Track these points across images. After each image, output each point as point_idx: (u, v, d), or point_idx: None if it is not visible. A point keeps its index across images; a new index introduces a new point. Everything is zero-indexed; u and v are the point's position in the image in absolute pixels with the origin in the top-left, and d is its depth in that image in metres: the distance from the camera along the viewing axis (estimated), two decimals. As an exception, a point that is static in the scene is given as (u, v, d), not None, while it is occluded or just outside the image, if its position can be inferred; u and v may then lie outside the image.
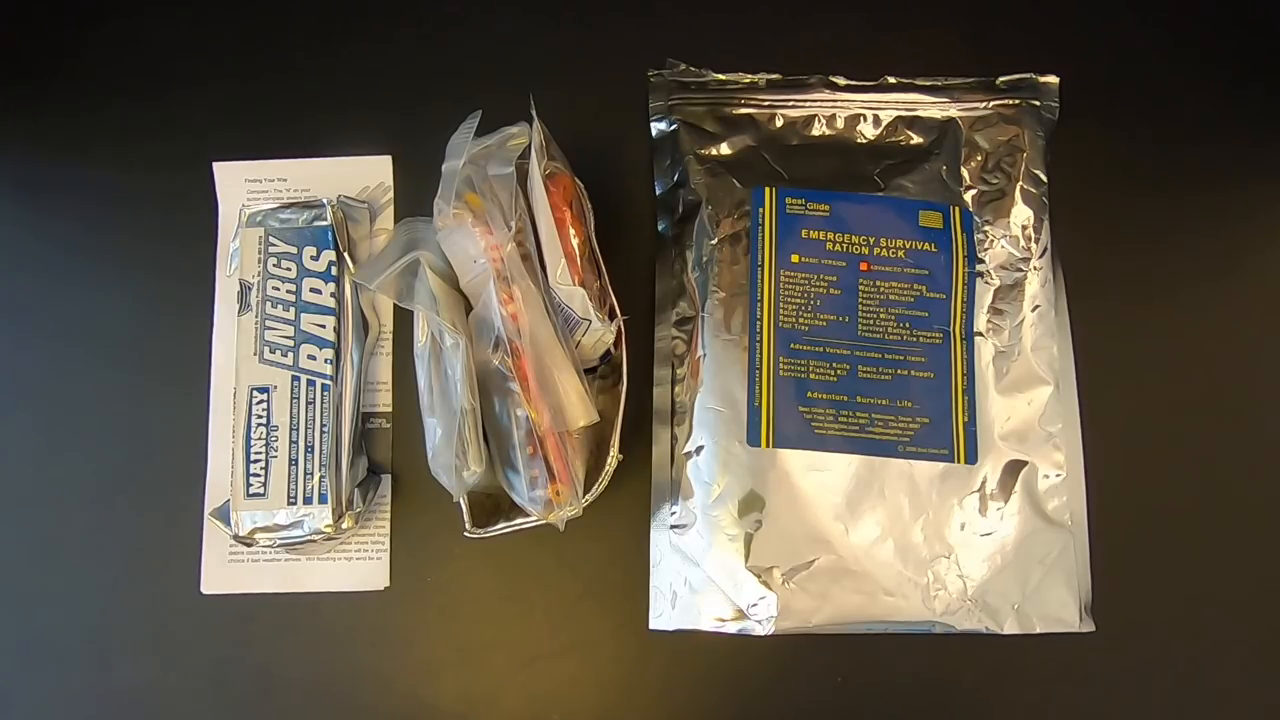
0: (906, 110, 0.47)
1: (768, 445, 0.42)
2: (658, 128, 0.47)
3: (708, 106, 0.47)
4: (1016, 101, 0.47)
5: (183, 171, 0.47)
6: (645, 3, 0.49)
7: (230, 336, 0.44)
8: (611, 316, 0.41)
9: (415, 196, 0.47)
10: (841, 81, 0.47)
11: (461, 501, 0.39)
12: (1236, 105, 0.47)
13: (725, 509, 0.42)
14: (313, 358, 0.43)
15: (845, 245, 0.44)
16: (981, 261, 0.44)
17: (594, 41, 0.48)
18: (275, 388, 0.43)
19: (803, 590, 0.41)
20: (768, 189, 0.45)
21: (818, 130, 0.47)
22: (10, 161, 0.48)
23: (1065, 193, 0.46)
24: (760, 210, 0.44)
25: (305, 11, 0.49)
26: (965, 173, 0.45)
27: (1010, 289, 0.44)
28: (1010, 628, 0.42)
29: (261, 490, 0.42)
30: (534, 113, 0.40)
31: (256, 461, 0.42)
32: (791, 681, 0.43)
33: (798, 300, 0.43)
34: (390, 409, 0.45)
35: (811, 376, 0.43)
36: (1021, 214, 0.45)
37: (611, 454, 0.40)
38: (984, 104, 0.46)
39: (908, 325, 0.43)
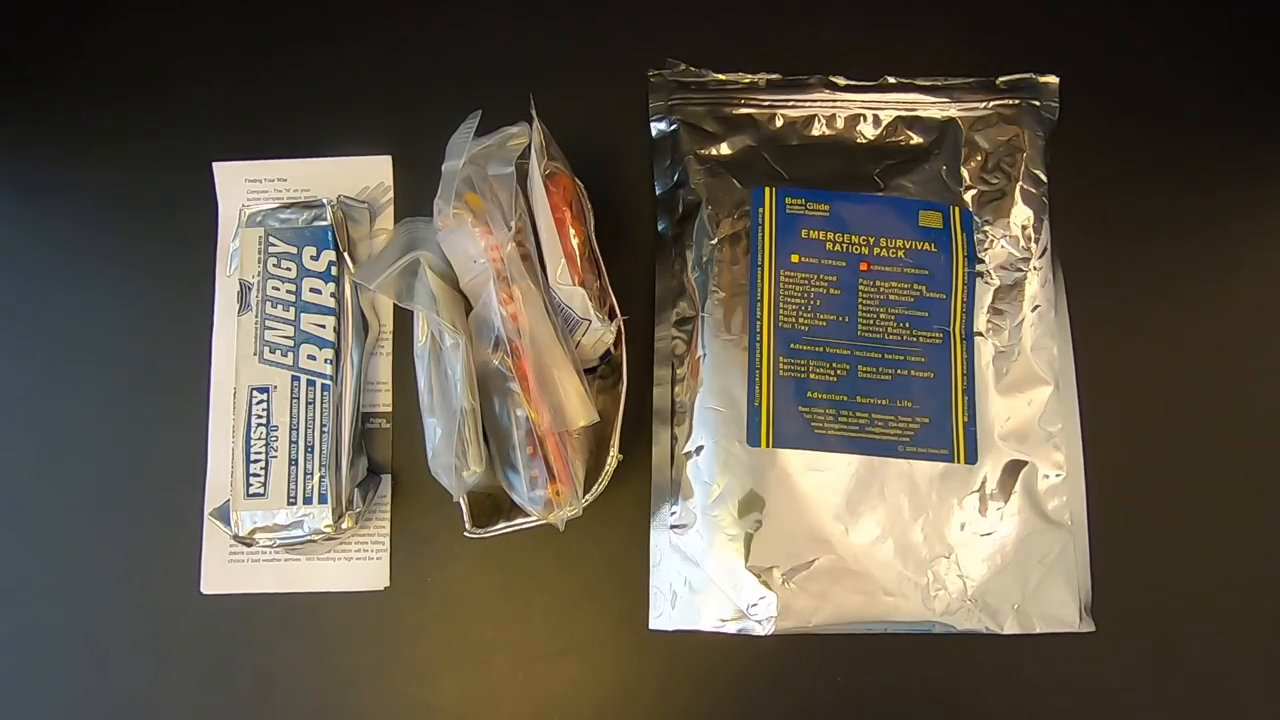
0: (906, 110, 0.47)
1: (768, 445, 0.42)
2: (658, 128, 0.47)
3: (708, 106, 0.47)
4: (1016, 101, 0.47)
5: (183, 171, 0.47)
6: (645, 3, 0.49)
7: (230, 336, 0.44)
8: (611, 316, 0.41)
9: (415, 196, 0.47)
10: (841, 81, 0.47)
11: (461, 501, 0.39)
12: (1236, 105, 0.47)
13: (725, 509, 0.42)
14: (313, 358, 0.43)
15: (845, 245, 0.44)
16: (981, 261, 0.44)
17: (594, 41, 0.48)
18: (275, 388, 0.43)
19: (803, 590, 0.41)
20: (768, 189, 0.45)
21: (818, 130, 0.47)
22: (10, 162, 0.48)
23: (1065, 193, 0.46)
24: (760, 210, 0.44)
25: (305, 12, 0.49)
26: (965, 173, 0.45)
27: (1010, 289, 0.44)
28: (1010, 628, 0.42)
29: (261, 490, 0.42)
30: (534, 113, 0.40)
31: (256, 461, 0.42)
32: (791, 681, 0.43)
33: (798, 300, 0.43)
34: (390, 409, 0.45)
35: (811, 376, 0.43)
36: (1021, 214, 0.45)
37: (611, 454, 0.40)
38: (984, 104, 0.46)
39: (908, 325, 0.43)
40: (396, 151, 0.47)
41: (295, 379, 0.43)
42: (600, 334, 0.40)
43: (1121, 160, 0.47)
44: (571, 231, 0.40)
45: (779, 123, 0.47)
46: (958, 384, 0.43)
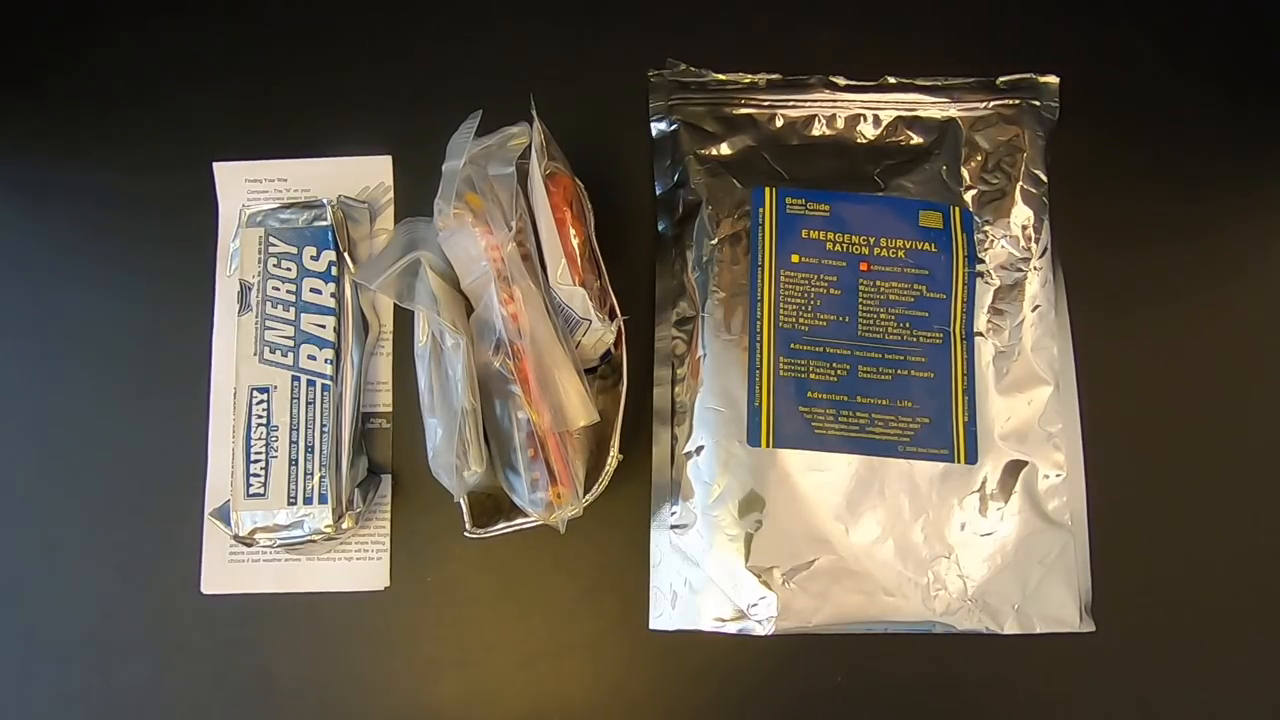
0: (906, 110, 0.47)
1: (768, 445, 0.42)
2: (658, 128, 0.47)
3: (708, 106, 0.47)
4: (1016, 101, 0.47)
5: (183, 172, 0.47)
6: (645, 3, 0.49)
7: (230, 336, 0.44)
8: (611, 316, 0.41)
9: (415, 196, 0.47)
10: (841, 81, 0.47)
11: (462, 502, 0.39)
12: (1236, 106, 0.47)
13: (725, 509, 0.42)
14: (313, 358, 0.43)
15: (845, 245, 0.44)
16: (981, 261, 0.44)
17: (594, 42, 0.48)
18: (275, 388, 0.43)
19: (803, 590, 0.41)
20: (768, 189, 0.45)
21: (818, 130, 0.47)
22: (10, 164, 0.48)
23: (1065, 193, 0.46)
24: (760, 210, 0.44)
25: (305, 13, 0.49)
26: (965, 173, 0.45)
27: (1010, 289, 0.44)
28: (1010, 628, 0.42)
29: (261, 490, 0.42)
30: (534, 113, 0.40)
31: (256, 462, 0.42)
32: (791, 681, 0.43)
33: (798, 300, 0.43)
34: (390, 409, 0.45)
35: (811, 376, 0.43)
36: (1021, 214, 0.45)
37: (611, 454, 0.40)
38: (984, 104, 0.46)
39: (908, 325, 0.43)
40: (396, 151, 0.47)
41: (295, 379, 0.43)
42: (600, 334, 0.40)
43: (1122, 160, 0.47)
44: (572, 231, 0.40)
45: (779, 123, 0.47)
46: (958, 384, 0.43)
